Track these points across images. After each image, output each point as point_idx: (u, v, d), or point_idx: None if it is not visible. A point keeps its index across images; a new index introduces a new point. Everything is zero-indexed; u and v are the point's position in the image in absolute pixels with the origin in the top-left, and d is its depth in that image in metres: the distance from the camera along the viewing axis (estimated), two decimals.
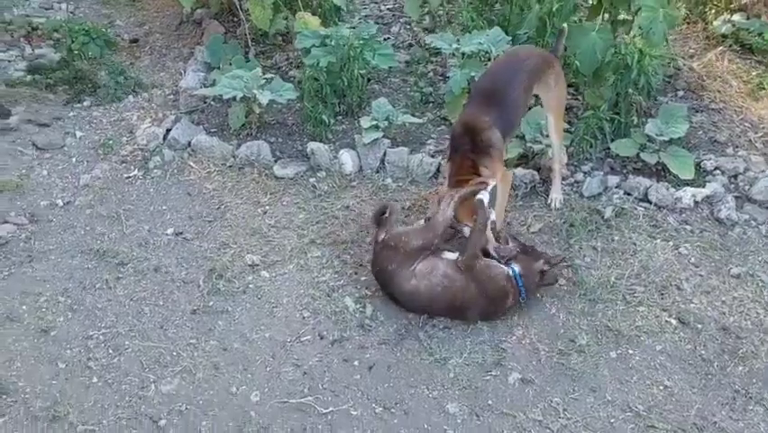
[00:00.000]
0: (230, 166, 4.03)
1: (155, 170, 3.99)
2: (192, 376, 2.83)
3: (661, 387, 2.79)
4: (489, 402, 2.71)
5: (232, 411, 2.69)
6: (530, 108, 3.85)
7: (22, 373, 2.84)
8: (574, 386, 2.79)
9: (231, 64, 4.56)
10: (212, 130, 4.34)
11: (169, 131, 4.23)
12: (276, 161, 4.08)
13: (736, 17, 5.27)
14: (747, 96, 4.65)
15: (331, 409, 2.70)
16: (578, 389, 2.78)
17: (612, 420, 2.66)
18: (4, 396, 2.74)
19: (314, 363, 2.88)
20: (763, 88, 4.68)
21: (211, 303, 3.16)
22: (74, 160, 4.09)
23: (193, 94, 4.56)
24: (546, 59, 3.59)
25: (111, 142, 4.18)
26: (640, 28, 4.03)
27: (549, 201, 3.73)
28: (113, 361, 2.89)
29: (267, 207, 3.75)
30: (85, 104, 4.59)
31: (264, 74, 4.28)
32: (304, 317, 3.09)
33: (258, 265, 3.37)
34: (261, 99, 4.06)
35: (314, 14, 4.70)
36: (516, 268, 3.03)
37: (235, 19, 5.51)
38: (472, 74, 4.15)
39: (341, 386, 2.78)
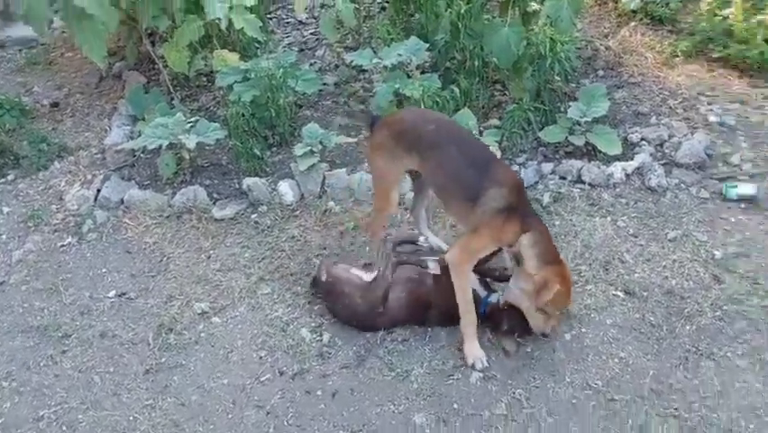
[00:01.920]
0: (167, 216, 3.97)
1: (90, 234, 3.91)
2: None
3: (616, 360, 2.84)
4: (455, 406, 2.72)
5: None
6: None
7: None
8: (534, 374, 2.82)
9: (155, 113, 4.51)
10: (144, 183, 4.28)
11: (99, 191, 4.16)
12: (214, 204, 4.04)
13: None
14: (663, 66, 4.81)
15: None
16: (538, 376, 2.81)
17: (574, 401, 2.70)
18: None
19: (276, 402, 2.85)
20: (677, 56, 4.85)
21: (163, 360, 3.11)
22: (4, 237, 3.98)
23: (119, 149, 4.50)
24: None
25: (40, 212, 4.08)
26: (548, 17, 4.13)
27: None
28: None
29: (210, 252, 3.71)
30: (9, 177, 4.48)
31: (191, 117, 4.26)
32: (261, 357, 3.06)
33: (207, 312, 3.33)
34: (189, 144, 4.03)
35: (232, 50, 4.70)
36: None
37: (155, 67, 5.47)
38: (397, 86, 4.19)
39: (306, 419, 2.76)
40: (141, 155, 4.53)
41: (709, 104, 4.36)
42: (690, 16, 5.14)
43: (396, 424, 2.70)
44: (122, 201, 4.10)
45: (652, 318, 3.00)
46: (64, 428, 2.85)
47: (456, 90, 4.16)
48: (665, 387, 2.71)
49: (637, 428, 2.58)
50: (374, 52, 4.45)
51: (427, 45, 4.38)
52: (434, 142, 2.92)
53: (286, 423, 2.76)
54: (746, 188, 3.58)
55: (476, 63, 4.37)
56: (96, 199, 4.11)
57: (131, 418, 2.86)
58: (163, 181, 4.24)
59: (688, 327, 2.94)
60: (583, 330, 2.99)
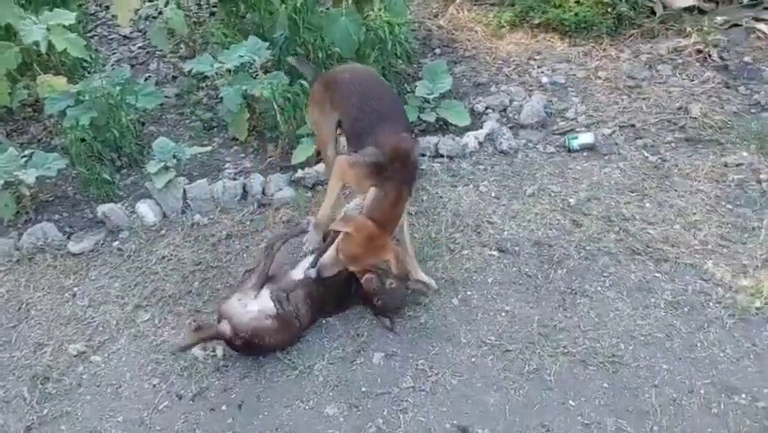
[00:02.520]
0: (17, 261, 3.63)
1: None
2: None
3: (503, 313, 3.01)
4: (363, 389, 2.75)
5: None
6: None
7: None
8: (432, 343, 2.92)
9: None
10: None
11: None
12: (68, 238, 3.75)
13: None
14: (492, 38, 5.12)
15: None
16: (436, 344, 2.91)
17: (473, 359, 2.83)
18: None
19: (180, 427, 2.72)
20: (503, 26, 5.17)
21: (45, 411, 2.85)
22: None
23: None
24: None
25: None
26: (382, 2, 4.24)
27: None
28: None
29: (74, 289, 3.44)
30: None
31: (23, 151, 3.90)
32: (154, 385, 2.90)
33: (85, 352, 3.09)
34: (27, 179, 3.71)
35: (57, 74, 4.36)
36: None
37: None
38: (245, 87, 4.11)
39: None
40: None
41: (539, 67, 4.70)
42: None
43: (308, 420, 2.68)
44: None
45: (527, 270, 3.21)
46: None
47: (305, 84, 4.15)
48: (551, 329, 2.91)
49: (533, 371, 2.75)
50: (214, 57, 4.32)
51: (267, 44, 4.32)
52: (346, 93, 3.14)
53: None
54: (586, 138, 3.92)
55: (320, 55, 4.39)
56: None
57: None
58: (4, 224, 3.86)
59: (559, 271, 3.18)
60: (468, 293, 3.13)
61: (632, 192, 3.55)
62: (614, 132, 4.01)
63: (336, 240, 2.88)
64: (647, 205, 3.46)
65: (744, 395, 2.58)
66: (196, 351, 3.01)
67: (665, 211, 3.40)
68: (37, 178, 3.76)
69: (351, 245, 2.78)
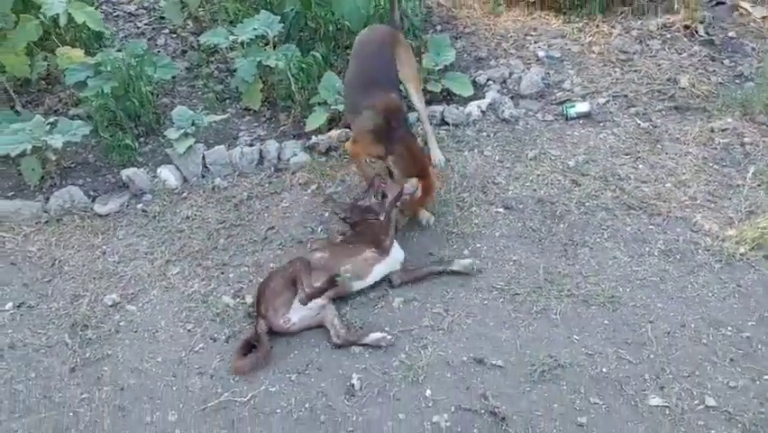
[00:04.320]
0: (46, 222, 3.82)
1: None
2: (100, 427, 2.75)
3: (511, 263, 3.26)
4: (386, 329, 2.98)
5: None
6: None
7: None
8: (446, 289, 3.17)
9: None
10: (8, 193, 4.05)
11: None
12: (93, 201, 3.94)
13: None
14: (490, 15, 5.36)
15: (250, 394, 2.80)
16: (450, 290, 3.16)
17: (485, 302, 3.08)
18: None
19: (217, 365, 2.94)
20: (500, 4, 5.39)
21: (87, 355, 3.06)
22: None
23: None
24: (392, 35, 3.73)
25: None
26: None
27: (434, 162, 3.80)
28: None
29: (104, 247, 3.64)
30: None
31: (49, 120, 4.08)
32: (189, 330, 3.12)
33: (120, 302, 3.30)
34: (55, 144, 3.88)
35: (74, 47, 4.52)
36: None
37: None
38: (258, 59, 4.31)
39: (251, 373, 2.89)
40: None
41: (536, 42, 4.94)
42: None
43: (336, 357, 2.92)
44: None
45: (531, 224, 3.46)
46: None
47: (318, 56, 4.35)
48: (555, 275, 3.17)
49: (541, 311, 3.01)
50: (229, 31, 4.51)
51: (278, 18, 4.51)
52: (352, 55, 3.67)
53: (232, 381, 2.86)
54: (582, 107, 4.18)
55: (330, 29, 4.59)
56: None
57: (70, 414, 2.81)
58: (30, 189, 4.04)
59: (561, 225, 3.43)
60: (478, 245, 3.38)
61: (626, 155, 3.82)
62: (608, 101, 4.26)
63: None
64: (640, 166, 3.73)
65: (730, 328, 2.86)
66: (227, 298, 3.23)
67: (657, 171, 3.67)
68: (64, 143, 3.92)
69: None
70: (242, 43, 4.43)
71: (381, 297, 3.15)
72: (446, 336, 2.94)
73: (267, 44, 4.47)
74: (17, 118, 4.20)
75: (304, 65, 4.26)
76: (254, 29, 4.42)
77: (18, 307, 3.34)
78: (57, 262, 3.57)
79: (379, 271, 3.15)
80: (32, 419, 2.81)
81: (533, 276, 3.17)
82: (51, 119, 4.14)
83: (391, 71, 3.52)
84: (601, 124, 4.09)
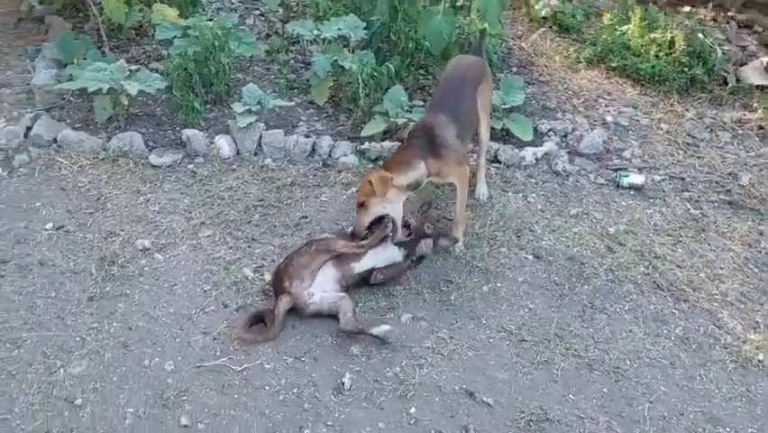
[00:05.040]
0: (102, 159, 4.00)
1: (21, 169, 3.87)
2: (101, 357, 2.87)
3: (526, 309, 3.27)
4: (388, 340, 3.02)
5: (148, 382, 2.78)
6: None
7: None
8: (456, 317, 3.19)
9: (85, 59, 4.48)
10: (76, 125, 4.26)
11: (30, 128, 4.10)
12: (150, 151, 4.12)
13: (554, 1, 6.04)
14: (568, 69, 5.39)
15: (245, 366, 2.88)
16: (460, 319, 3.19)
17: (491, 340, 3.10)
18: None
19: (222, 330, 3.03)
20: (580, 62, 5.45)
21: (107, 289, 3.19)
22: None
23: (49, 90, 4.44)
24: (481, 67, 3.84)
25: None
26: (478, 11, 4.54)
27: (476, 195, 3.89)
28: (12, 354, 2.85)
29: (148, 195, 3.80)
30: None
31: (131, 67, 4.29)
32: (205, 291, 3.22)
33: (149, 249, 3.44)
34: (130, 90, 4.07)
35: (170, 6, 4.74)
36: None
37: (81, 14, 5.38)
38: (335, 58, 4.45)
39: (252, 345, 2.96)
40: (71, 98, 4.50)
41: (607, 106, 4.97)
42: (592, 28, 5.78)
43: (335, 353, 2.97)
44: (55, 140, 4.07)
45: (556, 278, 3.47)
46: (7, 345, 2.88)
47: (392, 68, 4.47)
48: (566, 333, 3.17)
49: (543, 363, 3.01)
50: (315, 25, 4.67)
51: (364, 25, 4.65)
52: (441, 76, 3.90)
53: (232, 348, 2.95)
54: (636, 178, 4.17)
55: (409, 46, 4.71)
56: (26, 136, 4.05)
57: (77, 338, 2.93)
58: (97, 125, 4.25)
59: (585, 287, 3.43)
60: (498, 284, 3.40)
61: (668, 236, 3.80)
62: (663, 180, 4.25)
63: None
64: (679, 250, 3.70)
65: (728, 429, 2.81)
66: (247, 271, 3.33)
67: (695, 259, 3.64)
68: (138, 91, 4.11)
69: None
70: (323, 40, 4.58)
71: (391, 309, 3.20)
72: (444, 362, 2.97)
73: (346, 46, 4.61)
74: (102, 59, 4.43)
75: (375, 73, 4.37)
76: (338, 29, 4.57)
77: (57, 229, 3.51)
78: (102, 197, 3.74)
79: (370, 257, 3.24)
80: (42, 334, 2.95)
81: (544, 327, 3.18)
82: (133, 67, 4.35)
83: (462, 100, 3.57)
84: (651, 200, 4.08)
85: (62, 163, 3.92)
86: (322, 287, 3.09)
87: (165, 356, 2.89)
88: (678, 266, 3.58)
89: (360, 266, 3.22)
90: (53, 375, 2.77)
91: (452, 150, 3.39)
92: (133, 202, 3.73)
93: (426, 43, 4.66)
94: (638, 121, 4.81)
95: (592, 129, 4.67)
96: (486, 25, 4.29)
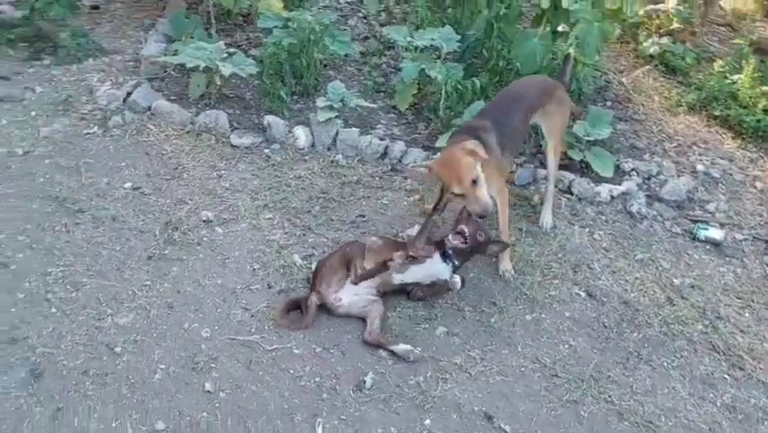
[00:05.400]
0: (188, 131, 4.23)
1: (114, 130, 4.15)
2: (147, 312, 3.04)
3: (566, 345, 3.18)
4: (418, 349, 3.02)
5: (183, 343, 2.92)
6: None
7: None
8: (492, 340, 3.14)
9: (192, 38, 4.75)
10: (171, 97, 4.53)
11: (129, 94, 4.40)
12: (232, 131, 4.31)
13: (664, 40, 5.82)
14: (667, 111, 5.18)
15: (275, 346, 2.96)
16: (495, 343, 3.13)
17: (522, 369, 3.03)
18: None
19: (261, 308, 3.13)
20: (681, 105, 5.21)
21: (166, 251, 3.37)
22: (33, 113, 4.20)
23: (154, 61, 4.73)
24: (546, 89, 3.76)
25: (71, 99, 4.32)
26: (576, 38, 4.45)
27: (540, 223, 3.84)
28: (71, 295, 3.07)
29: (222, 172, 3.97)
30: (45, 62, 4.70)
31: (229, 50, 4.51)
32: (254, 269, 3.34)
33: (212, 221, 3.60)
34: (224, 71, 4.28)
35: None
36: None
37: None
38: (423, 66, 4.49)
39: (286, 329, 3.04)
40: (173, 72, 4.77)
41: (700, 154, 4.73)
42: (701, 73, 5.51)
43: (363, 351, 3.00)
44: (149, 108, 4.35)
45: (605, 320, 3.34)
46: (68, 286, 3.11)
47: (477, 82, 4.46)
48: (603, 377, 3.05)
49: (572, 402, 2.91)
50: (409, 32, 4.73)
51: (458, 37, 4.67)
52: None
53: (267, 328, 3.04)
54: (715, 233, 3.95)
55: (500, 64, 4.68)
56: (125, 101, 4.35)
57: (130, 292, 3.12)
58: (189, 100, 4.49)
59: (635, 334, 3.29)
60: (543, 315, 3.32)
61: (737, 298, 3.57)
62: (746, 240, 4.00)
63: None
64: (747, 315, 3.47)
65: None
66: (297, 257, 3.42)
67: (762, 327, 3.40)
68: (231, 73, 4.32)
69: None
70: (415, 47, 4.63)
71: (427, 320, 3.19)
72: (469, 381, 2.93)
73: (439, 57, 4.64)
74: (207, 40, 4.69)
75: (459, 86, 4.37)
76: (432, 39, 4.61)
77: (134, 189, 3.75)
78: (180, 167, 3.96)
79: (413, 272, 3.19)
80: (100, 283, 3.16)
81: (581, 367, 3.07)
82: (231, 50, 4.58)
83: (510, 113, 3.53)
84: (727, 258, 3.85)
85: (151, 130, 4.17)
86: (353, 291, 3.11)
87: (204, 323, 3.02)
88: (741, 331, 3.36)
89: (401, 277, 3.22)
90: (101, 321, 2.96)
91: (493, 153, 3.30)
92: (207, 176, 3.91)
93: (518, 64, 4.61)
94: (731, 175, 4.55)
95: (679, 176, 4.46)
96: (571, 51, 4.19)
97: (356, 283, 3.12)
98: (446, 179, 3.16)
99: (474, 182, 3.08)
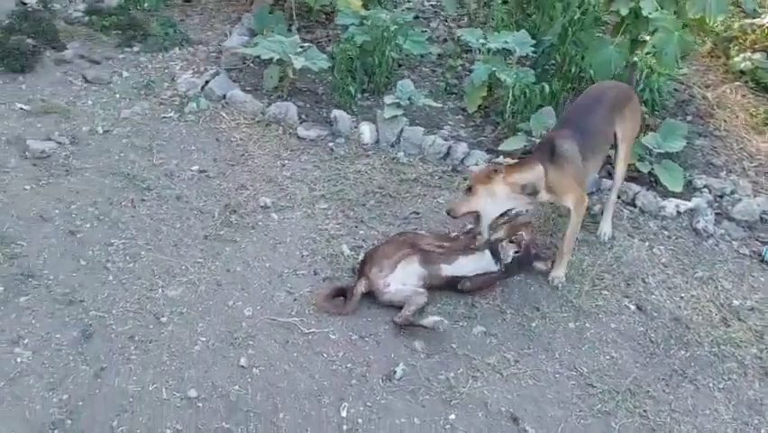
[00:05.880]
0: (258, 121, 4.41)
1: (189, 115, 4.40)
2: (196, 287, 3.21)
3: (608, 357, 3.10)
4: (453, 345, 3.04)
5: (225, 319, 3.07)
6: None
7: (48, 263, 3.26)
8: (530, 344, 3.11)
9: (273, 32, 4.94)
10: (247, 88, 4.73)
11: (207, 82, 4.64)
12: (300, 123, 4.46)
13: (757, 56, 5.52)
14: (751, 129, 4.91)
15: (313, 330, 3.06)
16: (533, 347, 3.10)
17: (557, 375, 2.98)
18: (31, 279, 3.15)
19: (305, 293, 3.24)
20: None
21: (222, 232, 3.55)
22: (117, 96, 4.52)
23: (234, 52, 4.97)
24: (626, 93, 3.71)
25: (153, 84, 4.61)
26: (654, 47, 4.31)
27: (598, 232, 3.77)
28: (128, 265, 3.29)
29: (285, 161, 4.13)
30: (134, 49, 5.03)
31: (303, 44, 4.67)
32: (303, 256, 3.46)
33: (269, 207, 3.75)
34: (296, 64, 4.44)
35: None
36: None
37: None
38: (494, 69, 4.48)
39: (325, 315, 3.14)
40: (251, 64, 4.99)
41: None
42: None
43: (398, 342, 3.05)
44: (224, 97, 4.57)
45: (653, 335, 3.23)
46: (127, 257, 3.33)
47: (546, 88, 4.40)
48: (642, 391, 2.95)
49: (604, 413, 2.84)
50: (484, 35, 4.73)
51: (533, 42, 4.62)
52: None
53: (307, 312, 3.15)
54: None
55: (572, 70, 4.60)
56: (202, 88, 4.59)
57: (183, 267, 3.31)
58: (263, 91, 4.68)
59: (682, 352, 3.16)
60: (587, 324, 3.25)
61: None
62: None
63: None
64: None
65: None
66: (345, 247, 3.51)
67: None
68: (303, 66, 4.48)
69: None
70: (488, 50, 4.62)
71: (466, 318, 3.20)
72: (500, 382, 2.92)
73: (512, 60, 4.62)
74: (286, 34, 4.87)
75: (528, 90, 4.33)
76: (505, 42, 4.59)
77: (200, 172, 3.96)
78: (247, 154, 4.14)
79: (462, 264, 3.24)
80: (156, 257, 3.37)
81: (619, 380, 2.99)
82: (306, 44, 4.74)
83: (590, 118, 3.47)
84: None
85: (223, 118, 4.39)
86: (402, 279, 3.17)
87: (247, 302, 3.16)
88: None
89: (449, 269, 3.25)
90: (152, 292, 3.16)
91: (571, 163, 3.26)
92: (271, 164, 4.07)
93: (591, 71, 4.51)
94: None
95: (755, 196, 4.23)
96: (636, 59, 4.06)
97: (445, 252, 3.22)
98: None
99: (469, 190, 3.24)
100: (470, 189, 3.24)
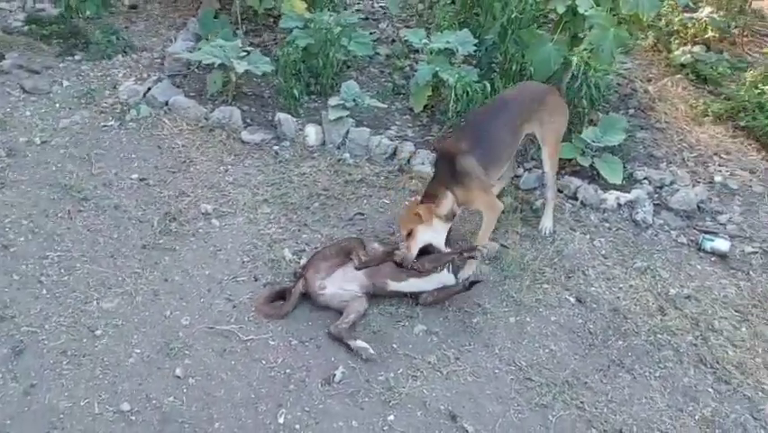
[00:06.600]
0: (201, 127, 4.37)
1: (130, 123, 4.34)
2: (132, 299, 3.17)
3: (547, 350, 3.14)
4: (394, 345, 3.05)
5: (162, 330, 3.04)
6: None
7: None
8: (471, 341, 3.14)
9: (218, 37, 4.89)
10: (190, 93, 4.68)
11: (149, 89, 4.58)
12: (245, 128, 4.43)
13: (696, 49, 5.65)
14: (691, 121, 5.03)
15: (252, 337, 3.04)
16: (473, 343, 3.13)
17: (496, 371, 3.01)
18: None
19: (244, 300, 3.22)
20: (707, 115, 5.05)
21: (161, 241, 3.50)
22: (57, 105, 4.43)
23: (177, 58, 4.91)
24: (540, 95, 3.75)
25: (94, 93, 4.53)
26: (590, 44, 4.38)
27: (540, 228, 3.84)
28: (63, 278, 3.23)
29: (229, 167, 4.10)
30: (76, 57, 4.95)
31: (249, 48, 4.64)
32: (243, 262, 3.44)
33: (210, 214, 3.71)
34: (238, 68, 4.41)
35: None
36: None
37: None
38: (437, 69, 4.50)
39: (265, 321, 3.12)
40: (196, 70, 4.94)
41: (720, 165, 4.57)
42: (733, 84, 5.32)
43: (338, 345, 3.04)
44: (166, 103, 4.51)
45: (591, 327, 3.29)
46: (62, 270, 3.28)
47: (488, 86, 4.44)
48: (579, 383, 3.00)
49: (541, 406, 2.88)
50: (427, 35, 4.76)
51: (476, 41, 4.66)
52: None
53: (247, 318, 3.13)
54: (721, 244, 3.81)
55: (513, 68, 4.65)
56: (144, 95, 4.53)
57: (119, 278, 3.27)
58: (207, 96, 4.64)
59: (620, 343, 3.22)
60: (527, 319, 3.29)
61: (736, 311, 3.45)
62: (755, 253, 3.85)
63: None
64: (743, 329, 3.35)
65: None
66: (287, 252, 3.50)
67: (756, 342, 3.28)
68: (246, 71, 4.45)
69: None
70: (431, 50, 4.65)
71: (408, 317, 3.21)
72: (439, 380, 2.94)
73: (455, 60, 4.65)
74: (231, 39, 4.83)
75: (470, 89, 4.37)
76: (447, 42, 4.62)
77: (140, 180, 3.91)
78: (189, 160, 4.10)
79: (413, 283, 3.23)
80: (92, 268, 3.32)
81: (557, 372, 3.03)
82: (249, 48, 4.71)
83: (491, 126, 3.51)
84: (732, 271, 3.72)
85: (166, 124, 4.34)
86: (340, 284, 3.16)
87: (185, 311, 3.13)
88: (733, 345, 3.25)
89: (397, 286, 3.25)
90: (87, 305, 3.11)
91: (474, 177, 3.34)
92: (213, 170, 4.04)
93: (531, 68, 4.57)
94: (750, 187, 4.39)
95: (694, 186, 4.33)
96: (574, 58, 4.13)
97: (359, 269, 3.16)
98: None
99: (410, 234, 3.26)
100: (410, 234, 3.25)
